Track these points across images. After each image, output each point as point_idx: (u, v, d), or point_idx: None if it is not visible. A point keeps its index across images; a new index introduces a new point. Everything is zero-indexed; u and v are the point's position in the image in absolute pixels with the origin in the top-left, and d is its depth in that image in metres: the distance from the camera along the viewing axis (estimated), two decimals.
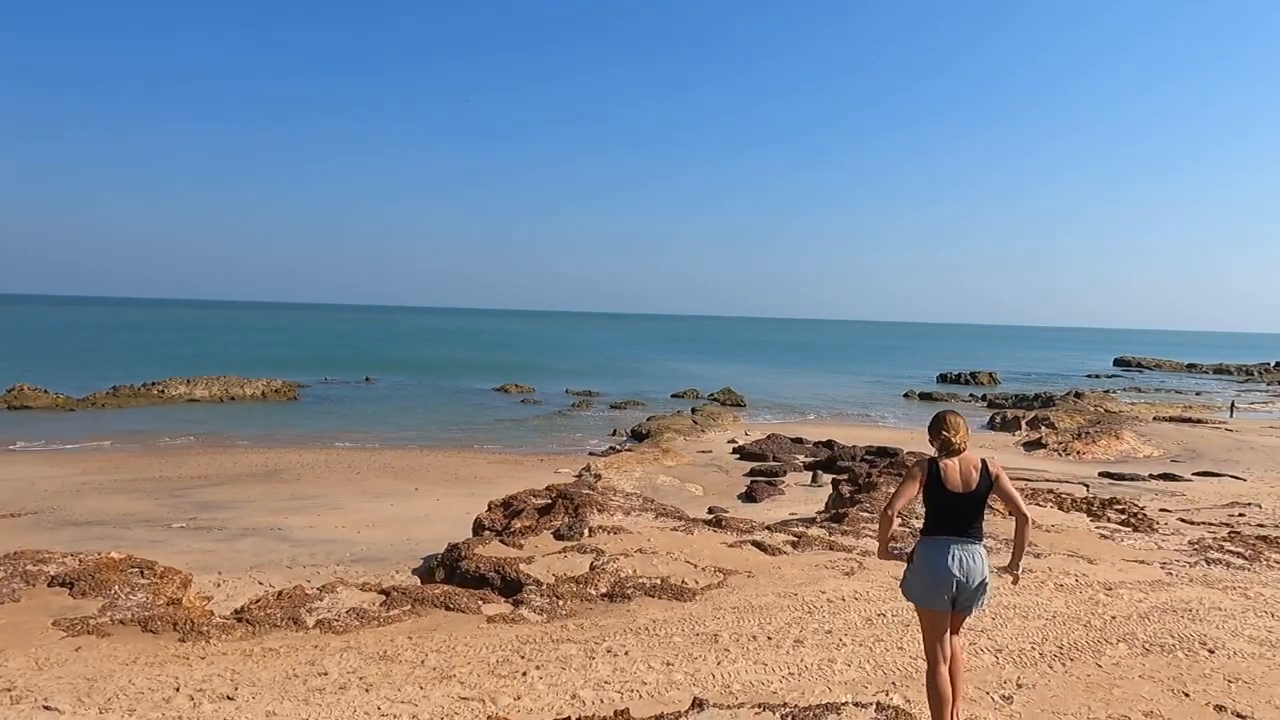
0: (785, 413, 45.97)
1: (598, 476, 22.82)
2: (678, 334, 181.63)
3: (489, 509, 11.79)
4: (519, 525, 10.42)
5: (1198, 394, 62.43)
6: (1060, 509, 17.44)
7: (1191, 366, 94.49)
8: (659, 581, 8.06)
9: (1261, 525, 14.69)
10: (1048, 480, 22.22)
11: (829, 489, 16.40)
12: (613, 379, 61.63)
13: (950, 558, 4.19)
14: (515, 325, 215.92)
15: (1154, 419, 40.41)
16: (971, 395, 57.01)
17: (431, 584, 8.96)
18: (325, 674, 5.80)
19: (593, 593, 7.87)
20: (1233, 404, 50.65)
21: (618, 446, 30.14)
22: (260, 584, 11.19)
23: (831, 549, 9.40)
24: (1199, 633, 6.98)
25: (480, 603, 7.62)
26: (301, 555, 13.63)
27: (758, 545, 9.31)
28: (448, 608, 7.42)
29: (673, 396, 51.56)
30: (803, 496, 19.47)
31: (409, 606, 7.40)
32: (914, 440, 31.92)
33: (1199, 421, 40.00)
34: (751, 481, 21.89)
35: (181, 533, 15.76)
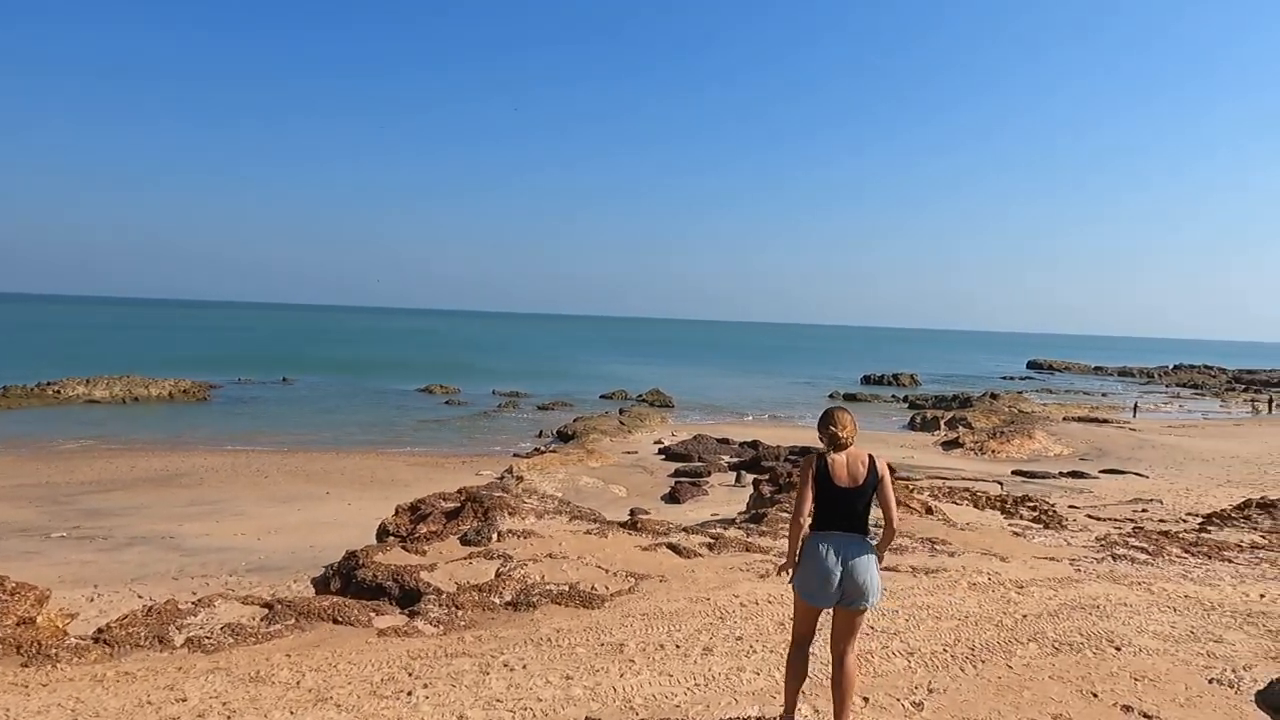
0: (713, 413, 46.11)
1: (519, 478, 22.27)
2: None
3: (396, 513, 11.19)
4: (424, 530, 9.89)
5: (1104, 395, 65.32)
6: (975, 507, 17.73)
7: (1098, 369, 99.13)
8: (567, 588, 7.67)
9: (1163, 521, 15.19)
10: (964, 479, 22.69)
11: (752, 489, 16.27)
12: (543, 380, 60.86)
13: (837, 552, 4.14)
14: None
15: (1064, 419, 41.98)
16: (893, 396, 58.32)
17: (326, 595, 8.39)
18: (184, 700, 5.21)
19: (496, 601, 7.43)
20: (1135, 405, 53.15)
21: (542, 448, 29.59)
22: (140, 598, 10.34)
23: (748, 550, 9.17)
24: (1106, 630, 6.97)
25: (373, 614, 7.10)
26: (191, 565, 12.74)
27: (673, 548, 9.01)
28: (336, 621, 6.88)
29: (601, 398, 51.20)
30: (726, 497, 19.35)
31: (293, 620, 6.83)
32: None
33: (1105, 421, 41.72)
34: (676, 482, 21.69)
35: (60, 543, 14.60)
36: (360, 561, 8.57)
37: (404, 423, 38.36)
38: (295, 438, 32.02)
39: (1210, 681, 5.89)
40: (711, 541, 9.43)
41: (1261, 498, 17.42)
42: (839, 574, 4.10)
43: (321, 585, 9.07)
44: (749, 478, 21.19)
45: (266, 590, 10.49)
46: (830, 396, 57.35)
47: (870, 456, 4.20)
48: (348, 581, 8.41)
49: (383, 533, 10.52)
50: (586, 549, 8.92)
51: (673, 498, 19.72)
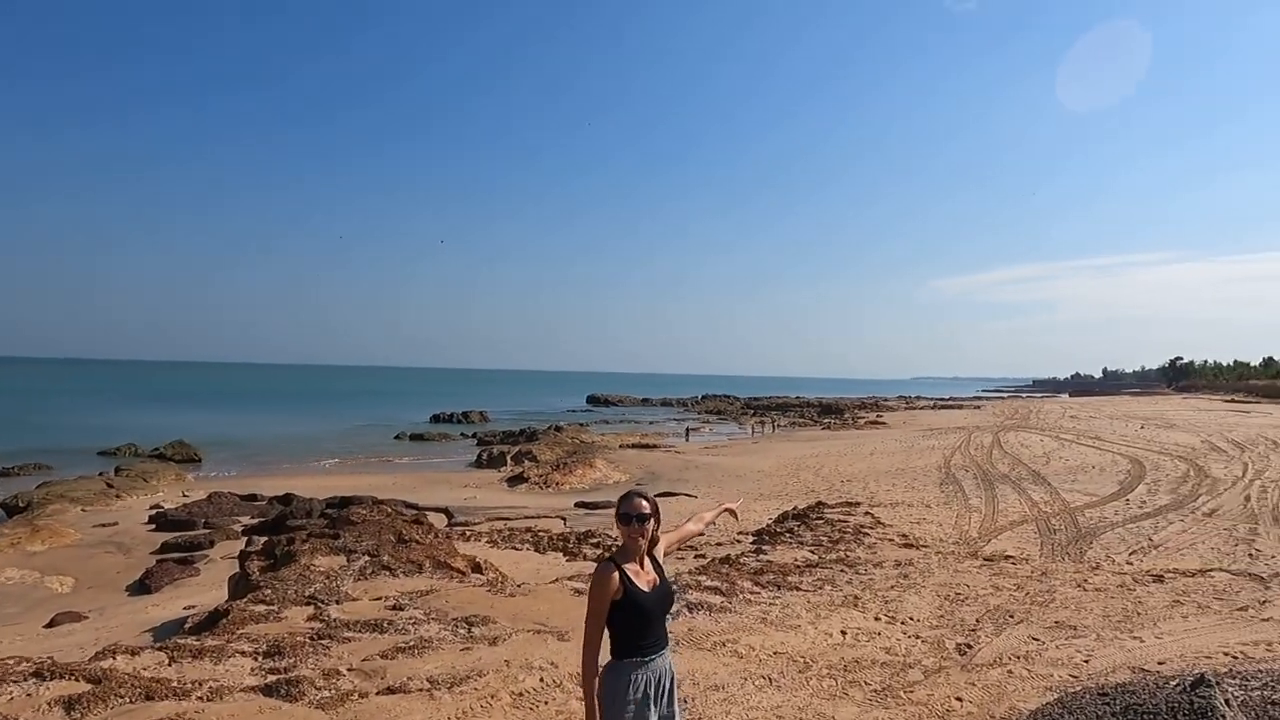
0: (252, 465, 38.78)
1: None
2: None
3: None
4: None
5: (651, 423, 71.45)
6: (537, 550, 15.55)
7: (645, 401, 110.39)
8: None
9: (720, 544, 14.58)
10: (527, 517, 20.74)
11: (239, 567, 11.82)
12: (19, 436, 46.02)
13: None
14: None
15: (620, 446, 43.73)
16: (462, 434, 56.38)
17: None
18: None
19: None
20: (687, 430, 58.76)
21: None
22: None
23: (149, 698, 5.22)
24: None
25: None
26: None
27: None
28: None
29: (100, 454, 40.07)
30: (226, 574, 14.44)
31: None
32: (394, 485, 28.70)
33: (655, 447, 44.45)
34: (158, 561, 15.99)
35: None
36: None
37: None
38: None
39: None
40: (82, 692, 5.25)
41: (793, 508, 18.19)
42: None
43: None
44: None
45: None
46: (396, 438, 53.25)
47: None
48: None
49: None
50: None
51: (144, 585, 14.19)
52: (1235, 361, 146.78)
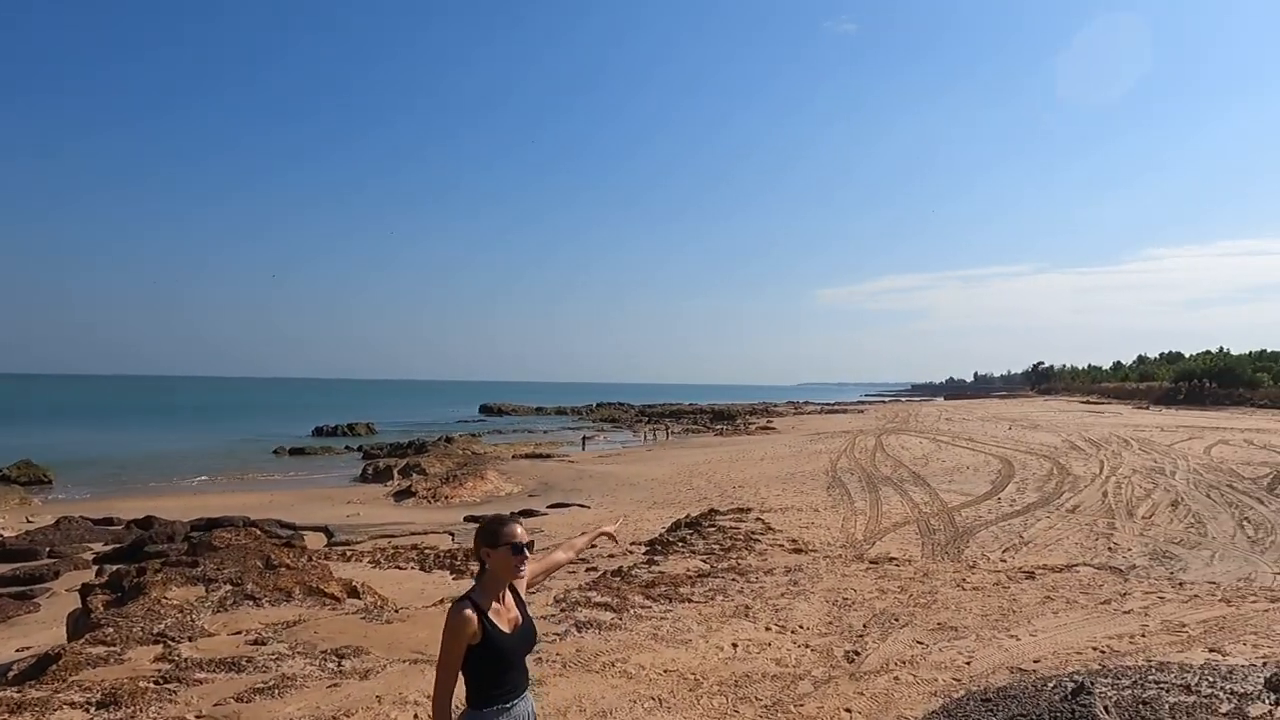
0: (111, 485, 35.79)
1: None
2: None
3: None
4: None
5: (545, 432, 70.70)
6: (422, 569, 14.91)
7: (539, 410, 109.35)
8: None
9: (612, 555, 14.36)
10: (414, 533, 19.92)
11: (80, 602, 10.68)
12: None
13: None
14: None
15: (513, 457, 42.95)
16: (347, 447, 54.07)
17: None
18: None
19: None
20: (584, 439, 58.32)
21: None
22: None
23: None
24: None
25: None
26: None
27: None
28: None
29: None
30: (67, 609, 13.12)
31: None
32: (271, 504, 27.09)
33: (548, 456, 43.88)
34: None
35: None
36: None
37: None
38: None
39: None
40: None
41: (686, 516, 18.19)
42: None
43: None
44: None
45: None
46: (275, 452, 50.47)
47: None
48: None
49: None
50: None
51: None
52: (1090, 365, 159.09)
